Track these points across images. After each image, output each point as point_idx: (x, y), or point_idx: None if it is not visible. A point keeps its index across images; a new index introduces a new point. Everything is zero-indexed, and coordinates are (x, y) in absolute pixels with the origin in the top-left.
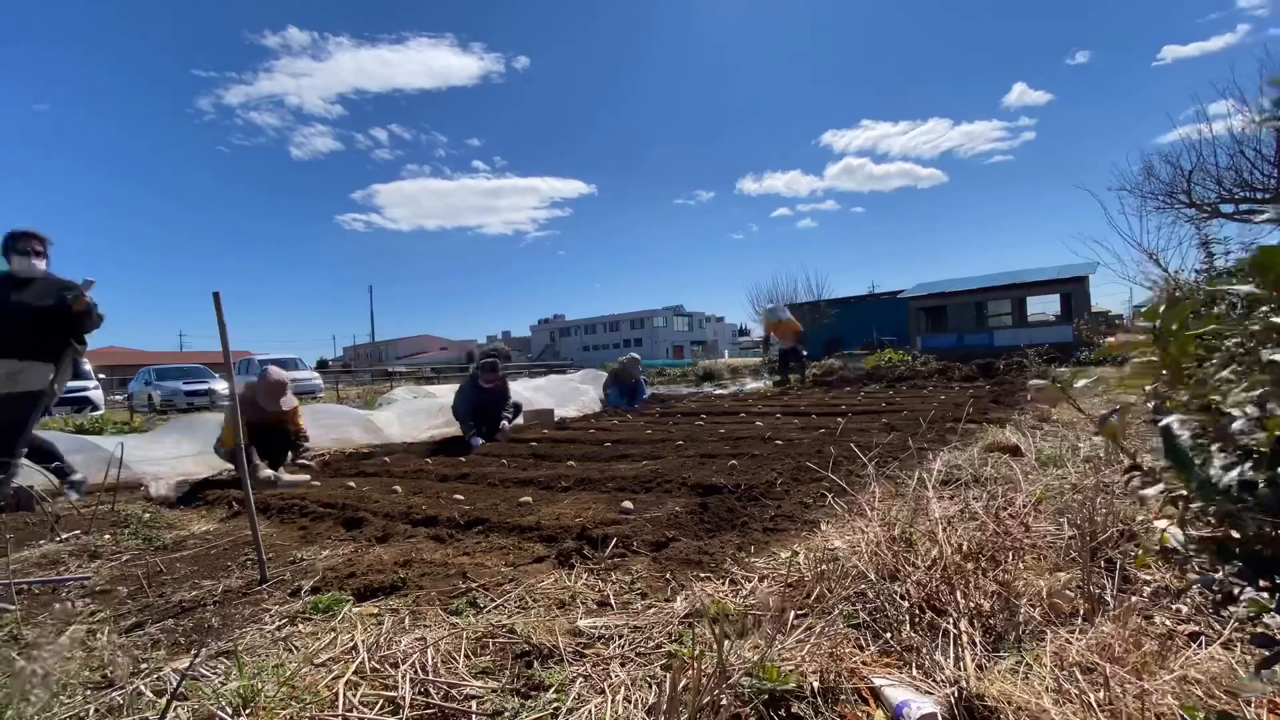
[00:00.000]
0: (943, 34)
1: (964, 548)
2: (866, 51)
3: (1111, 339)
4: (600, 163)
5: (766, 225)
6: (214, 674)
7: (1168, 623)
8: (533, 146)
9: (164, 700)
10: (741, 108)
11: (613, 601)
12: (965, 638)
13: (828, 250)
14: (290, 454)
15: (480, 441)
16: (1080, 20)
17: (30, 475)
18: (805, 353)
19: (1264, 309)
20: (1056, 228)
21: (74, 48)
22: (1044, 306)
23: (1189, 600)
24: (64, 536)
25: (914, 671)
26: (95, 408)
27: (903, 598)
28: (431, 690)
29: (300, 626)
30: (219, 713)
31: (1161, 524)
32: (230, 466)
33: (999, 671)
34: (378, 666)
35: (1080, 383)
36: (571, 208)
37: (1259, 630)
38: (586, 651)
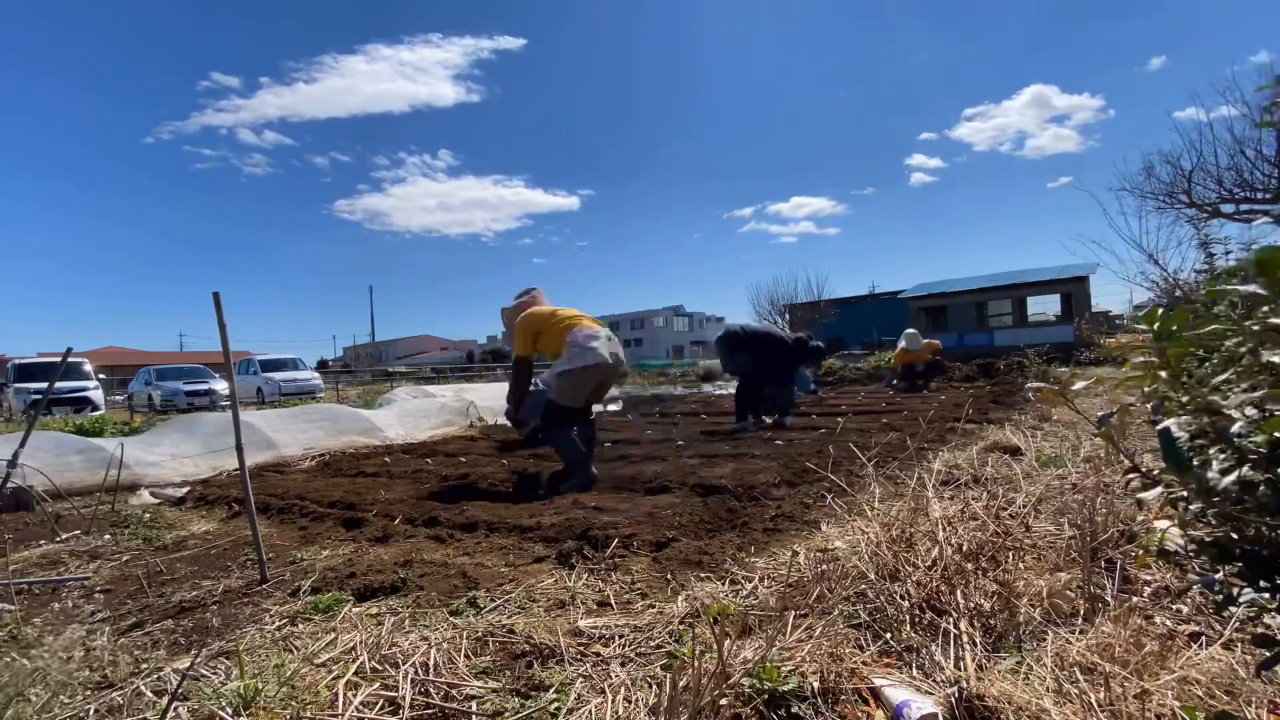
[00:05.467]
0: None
1: (964, 548)
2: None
3: (1112, 340)
4: (596, 171)
5: (767, 227)
6: (214, 674)
7: (1168, 623)
8: (526, 155)
9: (164, 700)
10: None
11: (613, 601)
12: (965, 638)
13: (827, 248)
14: None
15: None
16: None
17: (30, 475)
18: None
19: (1264, 309)
20: (1058, 228)
21: (61, 71)
22: (1044, 306)
23: (1189, 601)
24: (64, 536)
25: (914, 671)
26: (95, 408)
27: (903, 598)
28: (432, 690)
29: (300, 627)
30: (219, 713)
31: (1162, 525)
32: None
33: (999, 671)
34: (378, 667)
35: (1079, 384)
36: (569, 212)
37: (1259, 631)
38: (587, 651)
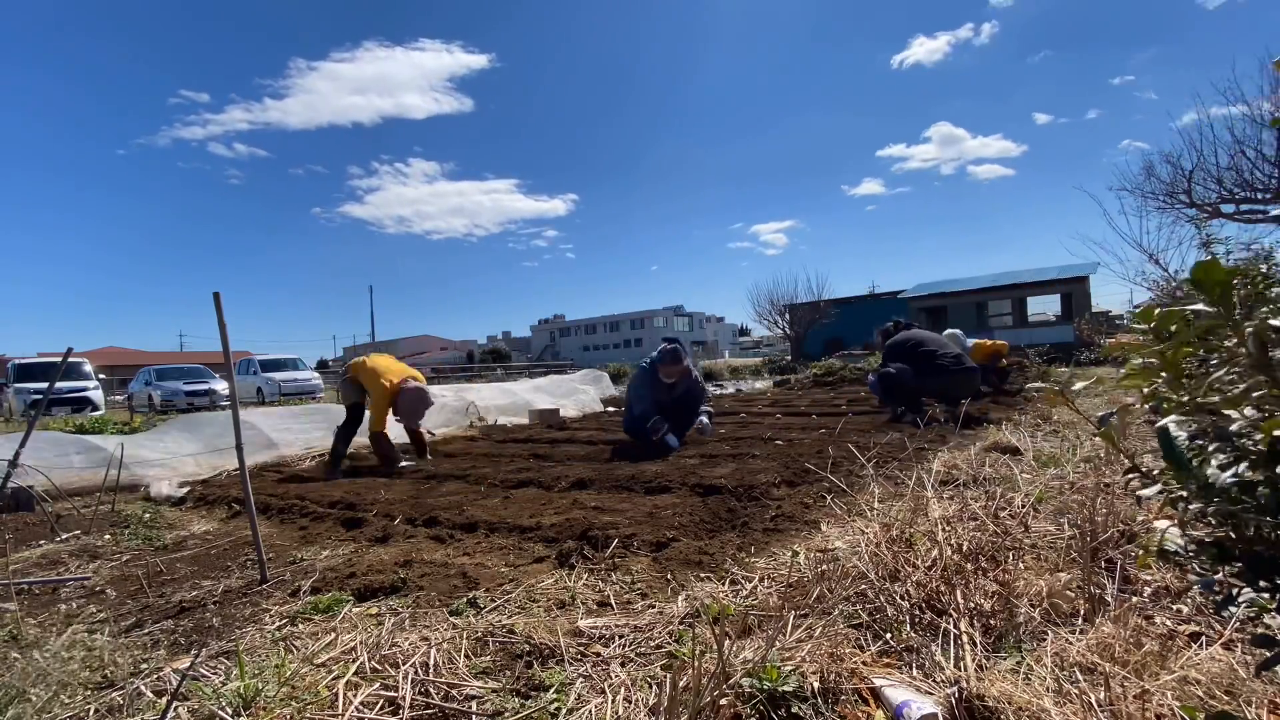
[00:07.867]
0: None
1: (964, 548)
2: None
3: (1112, 340)
4: (578, 177)
5: (741, 244)
6: (214, 674)
7: (1168, 623)
8: (517, 155)
9: (164, 700)
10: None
11: (613, 602)
12: (965, 638)
13: (805, 260)
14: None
15: (676, 441)
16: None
17: (30, 475)
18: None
19: (1264, 310)
20: (1059, 229)
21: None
22: (1044, 306)
23: (1189, 601)
24: (64, 536)
25: (914, 672)
26: (95, 408)
27: (903, 598)
28: (432, 690)
29: (300, 627)
30: (219, 713)
31: (1161, 525)
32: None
33: (999, 672)
34: (378, 667)
35: (1079, 384)
36: (566, 214)
37: (1259, 631)
38: (587, 652)
